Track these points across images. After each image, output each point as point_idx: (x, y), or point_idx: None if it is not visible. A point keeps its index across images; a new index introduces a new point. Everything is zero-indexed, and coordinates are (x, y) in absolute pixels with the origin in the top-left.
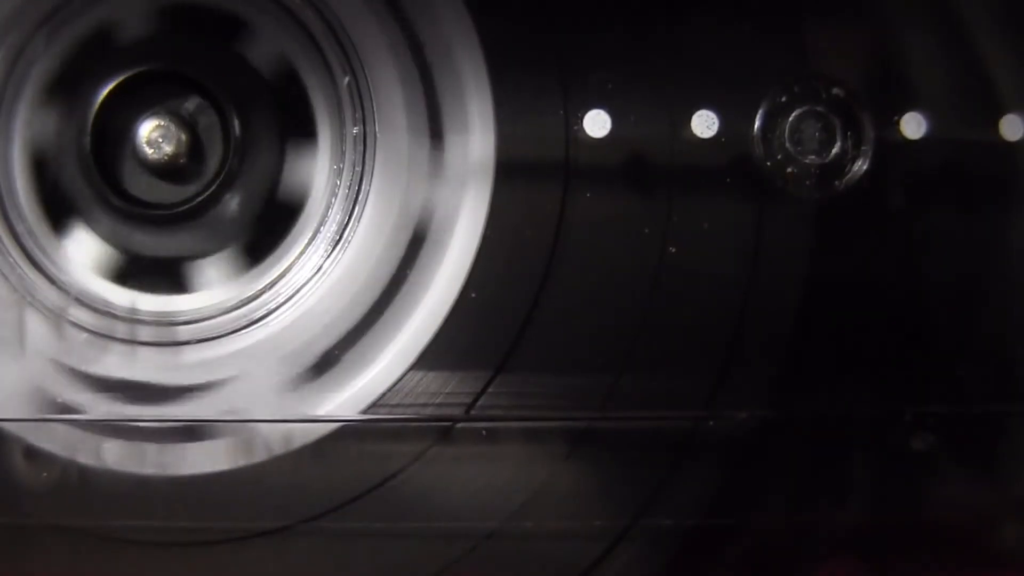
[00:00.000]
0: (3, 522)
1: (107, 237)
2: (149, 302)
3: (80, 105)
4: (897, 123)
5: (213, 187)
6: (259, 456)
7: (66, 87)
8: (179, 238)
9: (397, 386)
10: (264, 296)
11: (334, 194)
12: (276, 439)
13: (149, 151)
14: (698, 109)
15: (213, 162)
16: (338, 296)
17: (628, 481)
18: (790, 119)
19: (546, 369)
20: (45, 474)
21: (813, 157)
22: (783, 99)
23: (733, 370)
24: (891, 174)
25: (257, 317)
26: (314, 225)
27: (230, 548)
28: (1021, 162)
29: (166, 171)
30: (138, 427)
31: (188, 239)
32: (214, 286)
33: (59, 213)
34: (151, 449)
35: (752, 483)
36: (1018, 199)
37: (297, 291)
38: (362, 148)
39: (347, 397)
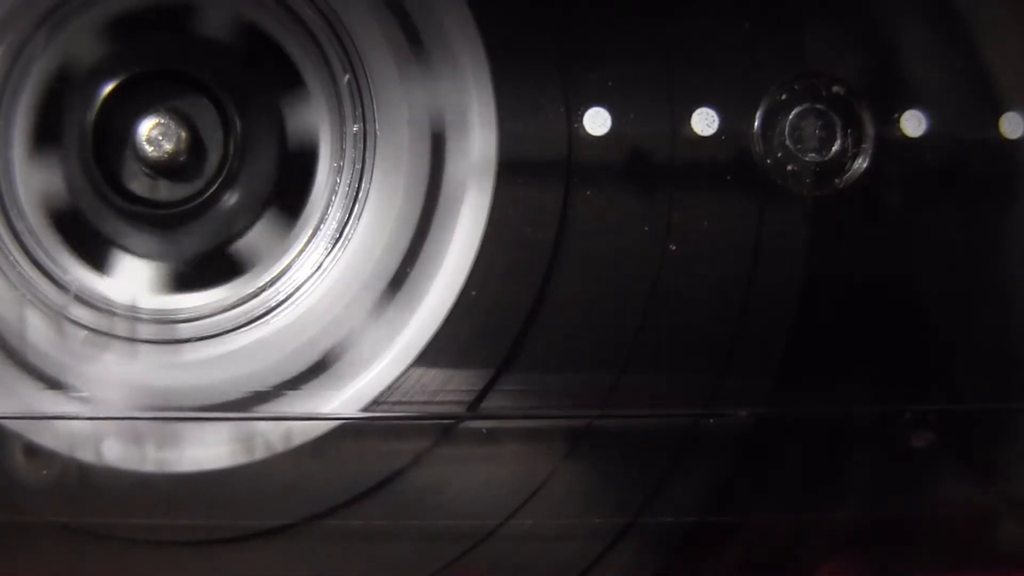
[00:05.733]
0: (3, 520)
1: (107, 235)
2: (149, 300)
3: (81, 103)
4: (897, 121)
5: (214, 186)
6: (259, 454)
7: (66, 85)
8: (180, 236)
9: (398, 384)
10: (265, 294)
11: (334, 192)
12: (276, 437)
13: (149, 149)
14: (698, 107)
15: (214, 160)
16: (339, 294)
17: (629, 479)
18: (790, 117)
19: (547, 367)
20: (45, 471)
21: (813, 155)
22: (783, 97)
23: (733, 368)
24: (891, 172)
25: (257, 315)
26: (314, 223)
27: (231, 546)
28: (1021, 160)
29: (166, 169)
30: (138, 425)
31: (189, 237)
32: (214, 284)
33: (59, 211)
34: (151, 446)
35: (752, 481)
36: (1018, 197)
37: (297, 289)
38: (362, 146)
39: (348, 395)
